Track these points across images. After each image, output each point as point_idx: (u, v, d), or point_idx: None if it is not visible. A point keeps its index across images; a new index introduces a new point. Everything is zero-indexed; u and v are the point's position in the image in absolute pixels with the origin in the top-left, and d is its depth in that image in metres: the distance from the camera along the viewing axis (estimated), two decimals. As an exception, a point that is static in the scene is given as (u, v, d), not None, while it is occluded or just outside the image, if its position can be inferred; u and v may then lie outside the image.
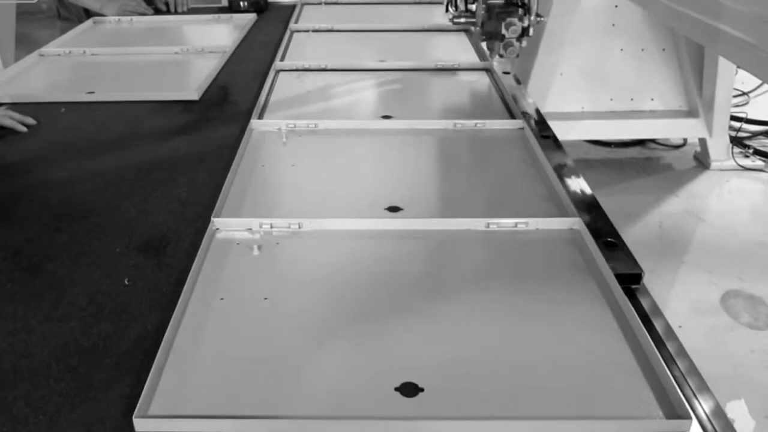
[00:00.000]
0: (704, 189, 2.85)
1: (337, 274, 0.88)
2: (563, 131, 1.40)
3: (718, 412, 0.67)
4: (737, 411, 1.66)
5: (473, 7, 1.56)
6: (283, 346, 0.75)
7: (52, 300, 0.83)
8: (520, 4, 1.39)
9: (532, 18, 1.36)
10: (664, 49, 2.88)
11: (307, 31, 2.08)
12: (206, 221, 0.97)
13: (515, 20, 1.35)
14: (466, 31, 1.99)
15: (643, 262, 0.89)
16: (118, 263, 0.91)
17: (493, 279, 0.87)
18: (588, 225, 0.95)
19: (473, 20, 1.53)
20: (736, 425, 0.66)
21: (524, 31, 1.39)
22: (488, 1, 1.44)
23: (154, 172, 1.16)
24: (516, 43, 1.38)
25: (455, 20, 1.59)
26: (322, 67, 1.68)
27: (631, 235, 2.45)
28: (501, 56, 1.41)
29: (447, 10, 1.70)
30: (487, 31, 1.46)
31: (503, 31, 1.36)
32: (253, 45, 1.98)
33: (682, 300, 2.19)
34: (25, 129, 1.32)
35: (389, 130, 1.31)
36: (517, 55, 1.40)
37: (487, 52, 1.67)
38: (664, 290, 2.21)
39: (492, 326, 0.77)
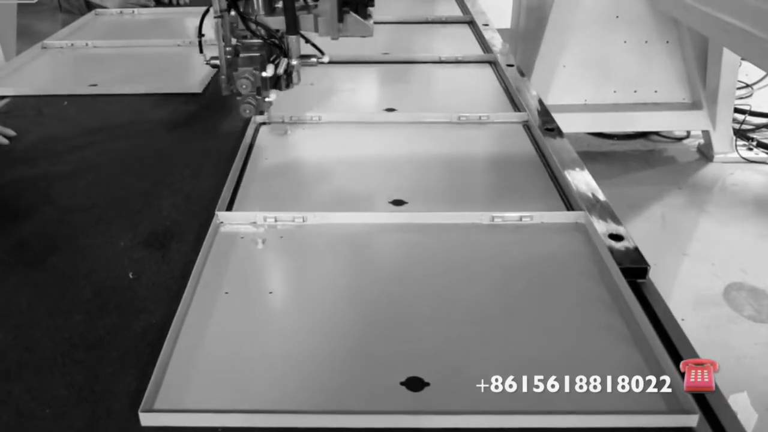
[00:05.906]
0: (707, 181, 2.84)
1: (341, 267, 0.88)
2: (566, 123, 1.37)
3: (724, 406, 0.67)
4: (739, 403, 1.66)
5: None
6: (288, 340, 0.75)
7: (57, 293, 0.83)
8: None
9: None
10: (667, 41, 2.87)
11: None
12: (210, 215, 0.97)
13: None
14: None
15: (646, 254, 0.89)
16: (122, 257, 0.90)
17: (499, 273, 0.86)
18: (593, 219, 0.95)
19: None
20: (738, 417, 0.66)
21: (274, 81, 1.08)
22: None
23: (157, 166, 1.16)
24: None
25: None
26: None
27: (634, 228, 2.45)
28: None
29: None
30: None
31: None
32: (255, 37, 1.96)
33: (684, 292, 2.19)
34: (6, 141, 1.25)
35: (393, 122, 1.31)
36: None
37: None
38: (667, 282, 2.21)
39: (497, 321, 0.77)
